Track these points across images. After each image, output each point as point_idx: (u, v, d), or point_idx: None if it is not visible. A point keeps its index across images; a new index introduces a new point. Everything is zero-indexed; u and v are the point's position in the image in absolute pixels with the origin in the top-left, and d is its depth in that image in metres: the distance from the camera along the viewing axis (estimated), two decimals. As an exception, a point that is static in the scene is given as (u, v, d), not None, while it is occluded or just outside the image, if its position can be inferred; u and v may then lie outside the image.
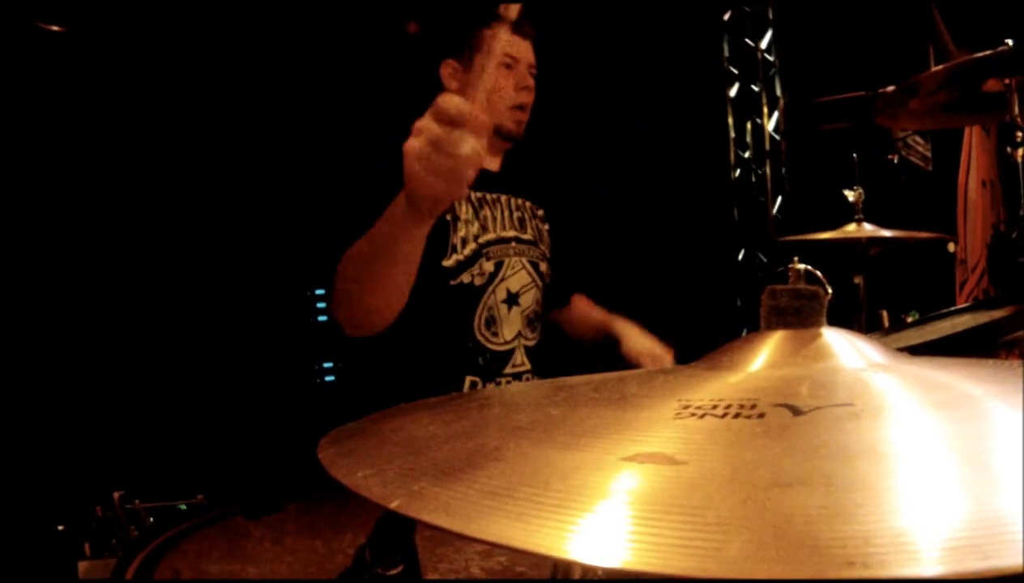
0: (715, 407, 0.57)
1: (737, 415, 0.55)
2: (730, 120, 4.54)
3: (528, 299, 1.89)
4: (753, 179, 4.52)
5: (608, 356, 1.88)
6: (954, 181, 3.27)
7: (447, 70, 1.87)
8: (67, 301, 2.82)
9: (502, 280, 1.85)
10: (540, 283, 1.93)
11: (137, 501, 1.74)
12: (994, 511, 0.41)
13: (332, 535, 1.19)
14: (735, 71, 4.53)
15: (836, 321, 0.71)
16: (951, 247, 3.02)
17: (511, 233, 1.90)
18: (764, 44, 4.49)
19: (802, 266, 0.71)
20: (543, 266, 1.94)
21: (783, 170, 4.48)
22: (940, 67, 1.88)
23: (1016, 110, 1.81)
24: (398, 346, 1.74)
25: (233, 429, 2.87)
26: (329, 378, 3.34)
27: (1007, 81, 1.82)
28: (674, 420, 0.56)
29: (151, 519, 1.72)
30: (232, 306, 2.95)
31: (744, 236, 4.47)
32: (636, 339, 1.89)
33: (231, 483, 2.06)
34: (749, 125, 4.52)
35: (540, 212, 2.00)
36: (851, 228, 2.28)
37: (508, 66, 1.84)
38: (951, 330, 1.65)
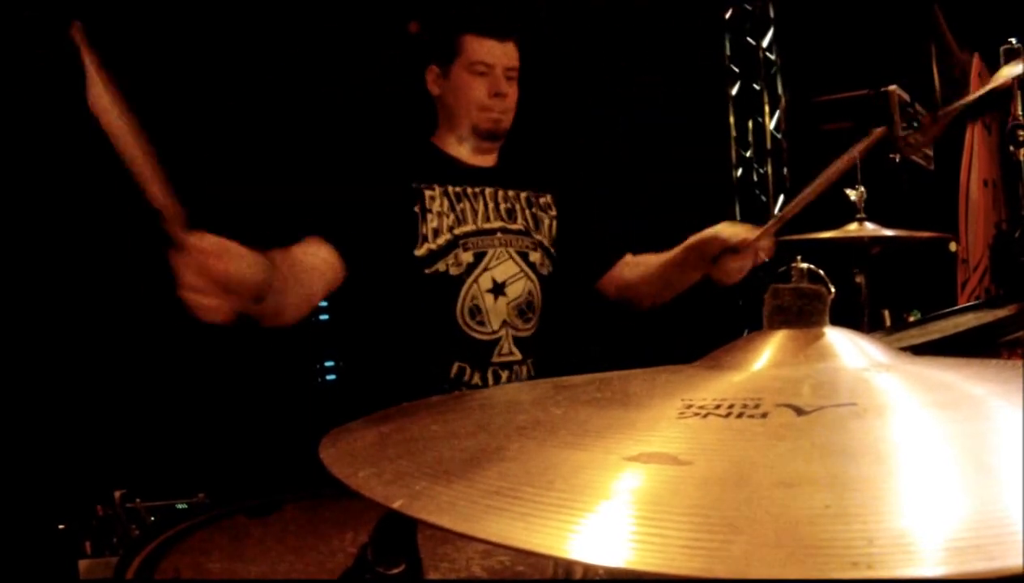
0: (718, 407, 0.57)
1: (740, 415, 0.55)
2: (731, 119, 4.54)
3: (517, 289, 1.90)
4: (755, 178, 4.52)
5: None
6: (956, 180, 3.28)
7: (431, 76, 1.92)
8: (67, 301, 2.82)
9: (485, 270, 1.87)
10: (533, 273, 1.93)
11: (138, 500, 1.75)
12: (996, 511, 0.41)
13: (333, 535, 1.19)
14: (736, 70, 4.53)
15: (838, 320, 0.71)
16: (953, 246, 3.02)
17: (496, 224, 1.91)
18: (766, 43, 4.49)
19: (805, 265, 0.70)
20: (535, 255, 1.94)
21: (784, 169, 4.47)
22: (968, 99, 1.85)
23: (1019, 110, 1.81)
24: (383, 333, 1.87)
25: (234, 429, 2.87)
26: (330, 377, 3.34)
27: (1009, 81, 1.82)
28: (677, 420, 0.56)
29: (152, 518, 1.72)
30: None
31: (745, 235, 4.48)
32: (718, 229, 1.80)
33: (232, 482, 2.06)
34: (751, 124, 4.52)
35: (544, 200, 2.00)
36: (853, 227, 2.28)
37: (481, 73, 1.86)
38: (953, 330, 1.66)
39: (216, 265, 1.15)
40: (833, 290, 0.71)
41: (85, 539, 1.66)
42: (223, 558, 1.15)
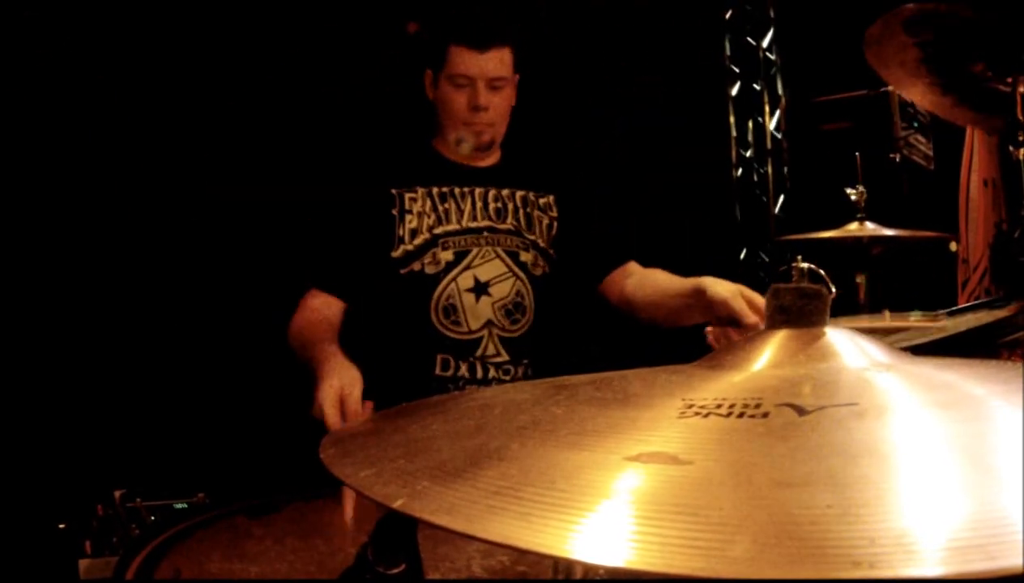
0: (719, 406, 0.57)
1: (741, 414, 0.55)
2: (732, 119, 4.53)
3: (503, 289, 1.89)
4: (755, 178, 4.52)
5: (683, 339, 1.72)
6: (956, 180, 3.27)
7: (427, 80, 1.93)
8: (67, 301, 2.82)
9: (467, 268, 1.87)
10: (523, 273, 1.91)
11: (138, 500, 1.74)
12: (997, 511, 0.41)
13: (333, 534, 1.19)
14: (736, 70, 4.52)
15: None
16: (953, 246, 3.02)
17: (483, 223, 1.91)
18: (766, 43, 4.48)
19: (806, 265, 0.70)
20: (527, 256, 1.92)
21: (785, 169, 4.47)
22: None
23: (1019, 110, 1.81)
24: (363, 333, 1.89)
25: (234, 428, 2.87)
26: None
27: (1010, 81, 1.82)
28: (678, 419, 0.56)
29: (152, 518, 1.72)
30: (233, 305, 2.95)
31: (746, 235, 4.47)
32: (723, 284, 1.62)
33: (232, 482, 2.06)
34: (751, 124, 4.52)
35: (544, 200, 1.98)
36: (853, 227, 2.28)
37: (460, 85, 1.85)
38: (953, 330, 1.66)
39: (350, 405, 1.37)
40: (834, 290, 0.71)
41: (85, 539, 1.66)
42: (223, 558, 1.15)
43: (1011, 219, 2.10)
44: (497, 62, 1.86)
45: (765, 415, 0.55)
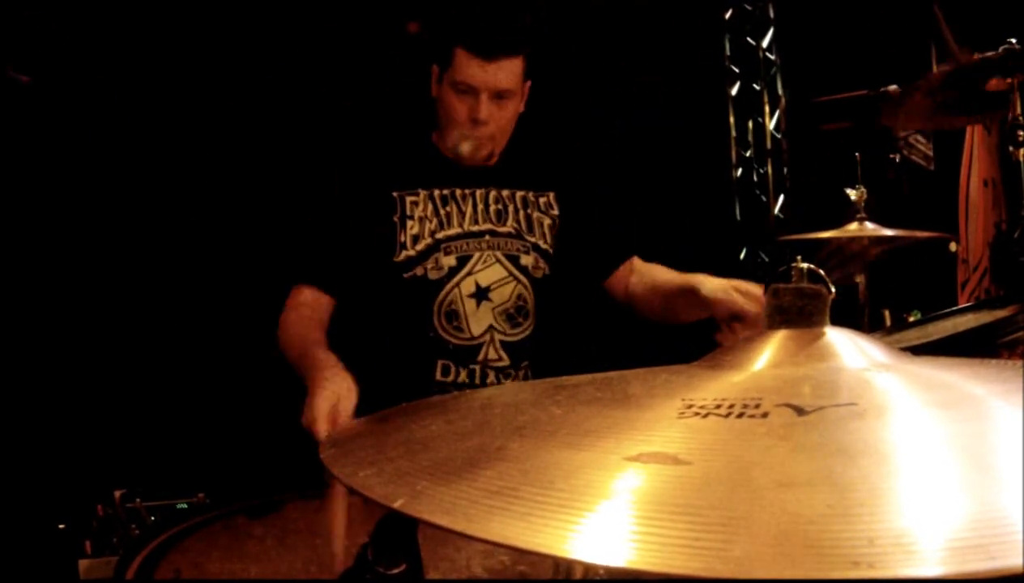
0: (719, 407, 0.57)
1: (741, 415, 0.55)
2: (731, 119, 4.53)
3: (504, 294, 1.86)
4: (755, 178, 4.52)
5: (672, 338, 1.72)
6: (956, 180, 3.27)
7: (433, 75, 1.86)
8: (67, 301, 2.82)
9: (469, 274, 1.84)
10: (525, 277, 1.89)
11: (138, 500, 1.74)
12: (997, 511, 0.41)
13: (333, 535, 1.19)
14: (736, 70, 4.52)
15: (838, 321, 0.71)
16: (953, 246, 3.02)
17: (484, 226, 1.87)
18: (766, 43, 4.48)
19: (805, 265, 0.70)
20: (528, 259, 1.89)
21: (785, 169, 4.47)
22: (942, 68, 1.87)
23: (1018, 109, 1.81)
24: (366, 338, 1.89)
25: (234, 428, 2.87)
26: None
27: (1009, 81, 1.82)
28: (678, 420, 0.56)
29: (152, 518, 1.72)
30: (232, 305, 2.95)
31: (746, 235, 4.47)
32: (715, 282, 1.63)
33: (232, 482, 2.06)
34: (750, 124, 4.52)
35: (544, 199, 1.95)
36: (853, 227, 2.28)
37: (463, 92, 1.75)
38: (953, 330, 1.66)
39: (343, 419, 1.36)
40: (833, 290, 0.71)
41: (85, 539, 1.66)
42: (223, 558, 1.15)
43: (1011, 219, 2.10)
44: (505, 73, 1.74)
45: (765, 415, 0.55)
